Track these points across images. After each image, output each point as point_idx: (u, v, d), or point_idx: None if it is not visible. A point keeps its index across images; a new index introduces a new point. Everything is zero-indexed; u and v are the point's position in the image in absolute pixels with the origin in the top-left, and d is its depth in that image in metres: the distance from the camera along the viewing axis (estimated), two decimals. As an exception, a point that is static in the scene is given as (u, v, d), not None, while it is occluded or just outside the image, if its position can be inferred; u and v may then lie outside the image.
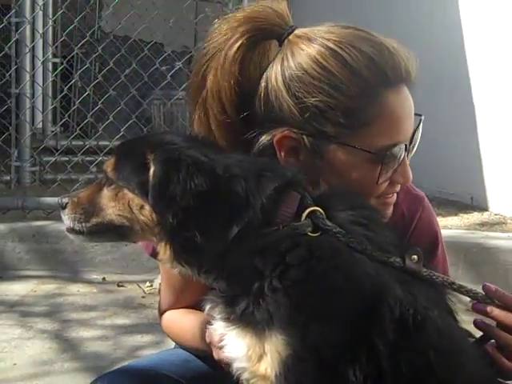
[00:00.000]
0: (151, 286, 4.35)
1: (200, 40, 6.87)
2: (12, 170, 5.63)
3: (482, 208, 5.73)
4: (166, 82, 5.83)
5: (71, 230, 1.69)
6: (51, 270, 4.60)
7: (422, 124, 1.80)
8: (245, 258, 1.55)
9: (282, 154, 1.74)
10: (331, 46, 1.71)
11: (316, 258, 1.53)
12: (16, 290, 4.29)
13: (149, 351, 3.44)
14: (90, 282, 4.46)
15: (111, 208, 1.64)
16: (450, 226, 5.16)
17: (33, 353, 3.43)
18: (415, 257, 1.58)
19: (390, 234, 1.64)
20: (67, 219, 1.67)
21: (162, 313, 2.07)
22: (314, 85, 1.70)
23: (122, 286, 4.42)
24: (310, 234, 1.56)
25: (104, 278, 4.52)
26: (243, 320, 1.54)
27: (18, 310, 4.00)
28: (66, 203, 1.68)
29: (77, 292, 4.31)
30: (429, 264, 1.65)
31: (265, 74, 1.76)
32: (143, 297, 4.26)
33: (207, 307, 1.65)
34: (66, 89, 6.03)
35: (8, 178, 5.63)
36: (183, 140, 1.67)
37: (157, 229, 1.60)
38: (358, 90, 1.69)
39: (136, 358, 3.34)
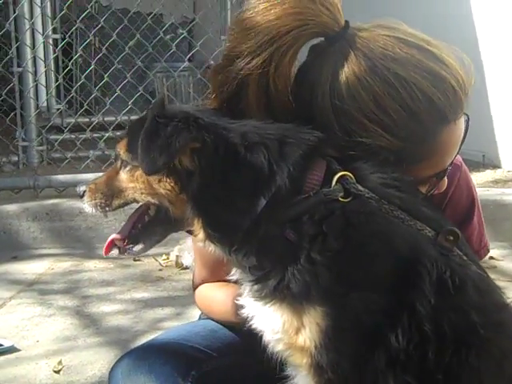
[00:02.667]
0: (168, 258, 4.35)
1: (199, 9, 6.79)
2: (19, 149, 5.59)
3: (495, 165, 5.70)
4: (170, 52, 5.76)
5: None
6: (67, 248, 4.60)
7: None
8: (275, 229, 1.52)
9: None
10: (391, 79, 1.57)
11: (352, 226, 1.50)
12: (33, 268, 4.28)
13: (170, 323, 3.45)
14: (106, 258, 4.42)
15: (131, 189, 1.62)
16: (463, 185, 5.12)
17: (55, 329, 3.43)
18: (451, 237, 1.55)
19: (423, 201, 1.62)
20: (88, 206, 1.67)
21: (195, 287, 2.07)
22: (366, 125, 1.58)
23: (138, 260, 4.41)
24: (341, 199, 1.53)
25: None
26: (278, 294, 1.52)
27: (36, 288, 3.99)
28: (84, 191, 1.67)
29: (94, 268, 4.30)
30: (465, 245, 1.61)
31: (310, 75, 1.62)
32: (160, 270, 4.26)
33: (238, 286, 1.63)
34: (70, 64, 5.97)
35: (16, 158, 5.59)
36: (196, 110, 1.61)
37: (185, 200, 1.55)
38: (414, 133, 1.59)
39: (158, 330, 3.34)
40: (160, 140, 1.50)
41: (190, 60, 6.12)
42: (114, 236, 1.71)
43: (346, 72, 1.59)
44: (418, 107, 1.58)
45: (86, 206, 1.67)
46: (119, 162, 1.66)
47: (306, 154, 1.55)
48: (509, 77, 5.62)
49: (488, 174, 5.51)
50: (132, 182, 1.61)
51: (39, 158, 5.70)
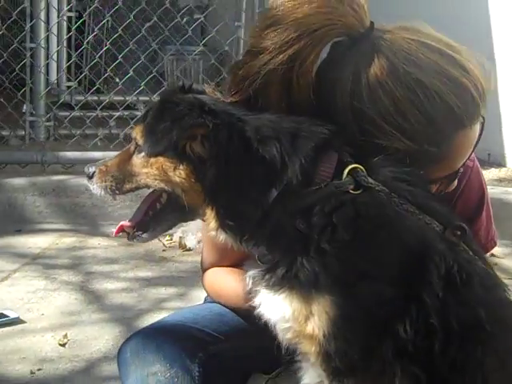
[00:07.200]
0: (171, 239, 4.38)
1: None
2: (27, 124, 5.60)
3: (500, 164, 5.73)
4: (184, 35, 5.76)
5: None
6: (71, 224, 4.63)
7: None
8: (286, 220, 1.55)
9: None
10: (412, 84, 1.58)
11: (362, 217, 1.53)
12: (37, 242, 4.32)
13: (173, 303, 3.50)
14: (110, 236, 4.47)
15: (145, 174, 1.62)
16: (468, 182, 5.14)
17: (59, 303, 3.47)
18: (459, 232, 1.57)
19: (432, 195, 1.65)
20: (97, 188, 1.66)
21: (204, 270, 2.09)
22: (384, 128, 1.60)
23: (142, 239, 4.44)
24: (352, 191, 1.55)
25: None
26: (286, 283, 1.55)
27: (40, 262, 4.03)
28: (94, 172, 1.67)
29: (98, 245, 4.34)
30: (471, 240, 1.62)
31: (331, 73, 1.63)
32: (164, 250, 4.29)
33: (247, 275, 1.65)
34: (85, 43, 5.98)
35: (22, 132, 5.59)
36: (210, 98, 1.64)
37: (199, 190, 1.57)
38: (430, 137, 1.61)
39: (161, 309, 3.40)
40: (163, 124, 1.54)
41: (203, 45, 6.12)
42: (123, 223, 1.71)
43: (368, 74, 1.61)
44: (436, 113, 1.59)
45: (95, 187, 1.66)
46: (133, 147, 1.66)
47: (318, 147, 1.57)
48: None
49: (493, 173, 5.54)
50: (146, 167, 1.61)
51: (46, 134, 5.72)
